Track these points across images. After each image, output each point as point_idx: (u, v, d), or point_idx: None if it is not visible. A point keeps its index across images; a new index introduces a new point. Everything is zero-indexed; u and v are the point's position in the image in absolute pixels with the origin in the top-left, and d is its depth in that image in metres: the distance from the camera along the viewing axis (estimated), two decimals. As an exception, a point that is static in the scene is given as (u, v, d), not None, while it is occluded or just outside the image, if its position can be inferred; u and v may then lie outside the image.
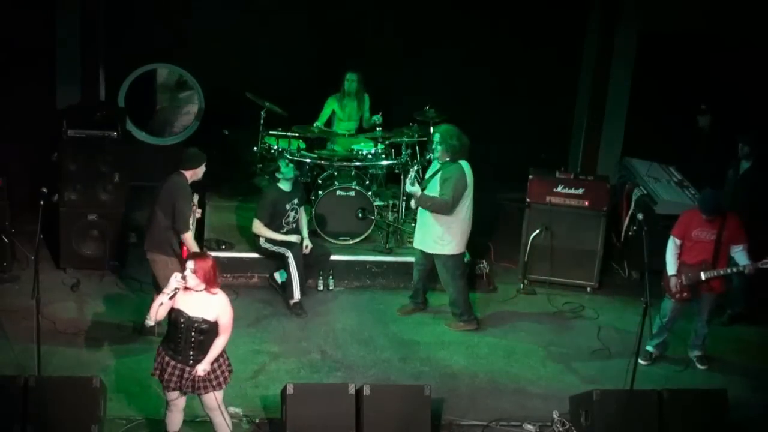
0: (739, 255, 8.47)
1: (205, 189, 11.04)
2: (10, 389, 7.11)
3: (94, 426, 7.13)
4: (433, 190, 8.83)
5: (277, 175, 9.37)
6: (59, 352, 8.33)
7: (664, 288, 8.77)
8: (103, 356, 8.42)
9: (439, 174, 8.85)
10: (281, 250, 9.34)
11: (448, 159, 8.80)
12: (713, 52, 11.36)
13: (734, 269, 8.46)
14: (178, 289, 6.71)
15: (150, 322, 8.39)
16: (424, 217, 8.99)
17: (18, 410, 7.06)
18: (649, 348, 8.87)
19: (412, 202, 9.11)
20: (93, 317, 9.00)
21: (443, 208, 8.78)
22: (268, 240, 9.39)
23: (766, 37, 11.21)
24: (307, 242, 9.46)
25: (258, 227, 9.35)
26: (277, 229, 9.35)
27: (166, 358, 6.86)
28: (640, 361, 8.63)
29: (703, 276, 8.44)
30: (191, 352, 6.81)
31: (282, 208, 9.34)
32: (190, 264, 6.70)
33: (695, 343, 8.96)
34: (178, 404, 7.07)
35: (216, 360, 6.87)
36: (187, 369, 6.83)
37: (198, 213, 8.61)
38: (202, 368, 6.81)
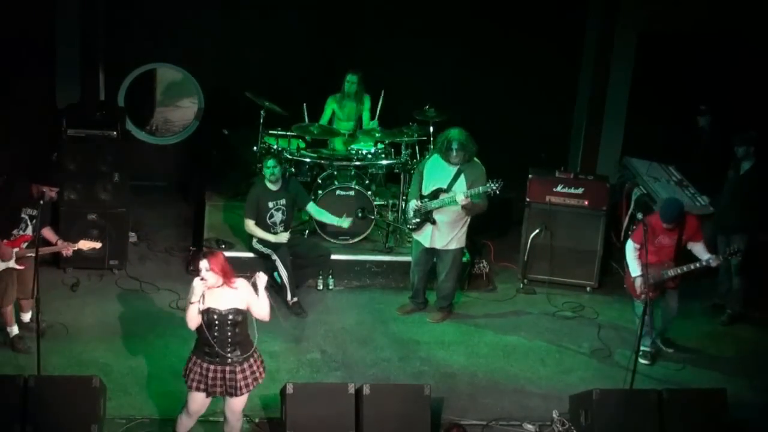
0: (699, 251, 8.61)
1: (205, 188, 11.11)
2: (10, 389, 7.12)
3: (93, 426, 7.13)
4: (461, 191, 8.86)
5: (263, 172, 9.38)
6: (59, 352, 8.34)
7: (628, 290, 8.89)
8: (103, 356, 8.42)
9: (462, 176, 8.89)
10: (267, 251, 9.35)
11: (463, 162, 8.87)
12: (713, 52, 11.36)
13: (697, 265, 8.53)
14: (203, 291, 6.71)
15: (14, 330, 8.41)
16: (448, 218, 9.01)
17: (18, 410, 7.06)
18: (645, 348, 8.87)
19: (434, 205, 8.99)
20: (93, 317, 9.00)
21: (485, 207, 9.01)
22: (260, 240, 9.41)
23: (766, 37, 11.21)
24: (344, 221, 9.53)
25: (249, 226, 9.37)
26: (264, 228, 9.36)
27: (204, 365, 6.81)
28: (642, 361, 8.67)
29: (669, 274, 8.51)
30: (228, 350, 6.78)
31: (264, 206, 9.32)
32: (204, 263, 6.69)
33: (660, 332, 9.06)
34: (201, 412, 7.05)
35: (252, 356, 6.88)
36: (228, 369, 6.80)
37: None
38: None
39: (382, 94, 10.71)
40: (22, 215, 8.17)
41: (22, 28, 10.70)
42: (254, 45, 11.38)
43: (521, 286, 10.14)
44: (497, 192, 8.80)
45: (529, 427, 7.90)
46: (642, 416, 7.58)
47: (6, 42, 10.60)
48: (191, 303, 6.71)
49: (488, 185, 8.79)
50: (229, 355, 6.80)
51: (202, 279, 6.68)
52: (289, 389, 7.32)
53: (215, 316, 6.73)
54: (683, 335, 9.41)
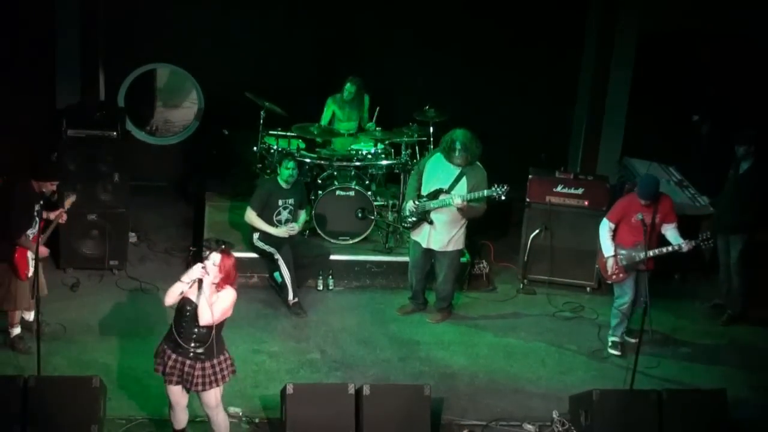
0: (671, 233, 8.64)
1: (205, 188, 11.12)
2: (10, 389, 7.11)
3: (94, 426, 7.13)
4: (461, 193, 8.87)
5: (278, 169, 9.40)
6: (59, 352, 8.34)
7: (599, 270, 8.95)
8: (103, 356, 8.41)
9: (464, 179, 8.88)
10: (270, 249, 9.35)
11: (465, 163, 8.86)
12: (713, 51, 11.36)
13: (669, 248, 8.57)
14: (198, 279, 6.72)
15: (16, 331, 8.36)
16: (446, 219, 9.00)
17: (18, 410, 7.06)
18: (615, 338, 8.96)
19: (431, 207, 8.99)
20: (93, 317, 9.00)
21: (483, 211, 9.00)
22: (261, 238, 9.41)
23: (766, 36, 11.21)
24: (293, 225, 9.44)
25: (249, 215, 9.40)
26: (268, 223, 9.37)
27: (168, 352, 6.89)
28: (613, 352, 8.85)
29: (641, 256, 8.51)
30: (192, 344, 6.83)
31: (274, 202, 9.35)
32: (215, 257, 6.71)
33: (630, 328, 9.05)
34: (181, 403, 7.09)
35: (217, 357, 6.90)
36: (188, 363, 6.85)
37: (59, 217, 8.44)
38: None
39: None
40: (34, 212, 8.20)
41: (22, 29, 10.70)
42: (254, 45, 11.38)
43: (521, 286, 10.14)
44: (502, 198, 8.79)
45: (529, 427, 7.90)
46: (642, 416, 7.58)
47: (6, 42, 10.59)
48: (180, 281, 6.74)
49: (493, 190, 8.78)
50: (191, 349, 6.83)
51: (203, 267, 6.71)
52: (289, 390, 7.32)
53: (188, 308, 6.79)
54: (684, 335, 9.42)
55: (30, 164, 8.39)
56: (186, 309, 6.80)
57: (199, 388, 6.90)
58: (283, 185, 9.38)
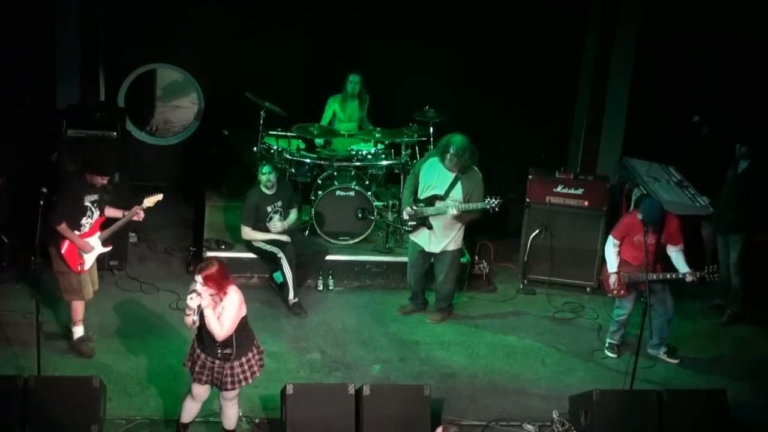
0: (677, 257, 8.54)
1: (205, 188, 11.11)
2: (10, 389, 7.12)
3: (94, 426, 7.13)
4: (457, 198, 8.88)
5: (259, 178, 9.40)
6: (59, 352, 8.34)
7: (601, 282, 8.98)
8: (103, 356, 8.42)
9: (460, 184, 8.89)
10: (273, 249, 9.36)
11: (458, 170, 8.86)
12: (713, 52, 11.36)
13: (675, 275, 8.50)
14: (200, 305, 6.77)
15: (79, 331, 8.42)
16: (444, 223, 9.01)
17: (18, 410, 7.07)
18: (612, 341, 8.99)
19: (431, 212, 9.00)
20: (93, 317, 8.98)
21: (480, 215, 9.01)
22: (262, 240, 9.41)
23: (766, 37, 11.21)
24: (284, 223, 9.47)
25: (246, 232, 9.41)
26: (265, 232, 9.39)
27: (197, 351, 7.01)
28: (609, 354, 8.85)
29: (643, 277, 8.44)
30: (218, 348, 6.92)
31: (263, 211, 9.37)
32: (198, 279, 6.72)
33: (658, 342, 8.96)
34: (203, 396, 7.20)
35: (245, 355, 7.01)
36: (218, 363, 6.95)
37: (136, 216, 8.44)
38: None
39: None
40: (86, 203, 8.21)
41: (23, 29, 10.70)
42: (254, 45, 11.37)
43: (521, 286, 10.14)
44: (496, 209, 8.81)
45: (529, 427, 7.90)
46: (642, 417, 7.59)
47: (6, 42, 10.59)
48: (186, 315, 6.83)
49: (487, 202, 8.81)
50: (219, 351, 6.93)
51: (197, 294, 6.74)
52: (289, 390, 7.33)
53: (203, 320, 6.85)
54: (684, 335, 9.42)
55: (89, 155, 8.42)
56: (203, 320, 6.86)
57: (228, 387, 7.01)
58: (266, 191, 9.38)
